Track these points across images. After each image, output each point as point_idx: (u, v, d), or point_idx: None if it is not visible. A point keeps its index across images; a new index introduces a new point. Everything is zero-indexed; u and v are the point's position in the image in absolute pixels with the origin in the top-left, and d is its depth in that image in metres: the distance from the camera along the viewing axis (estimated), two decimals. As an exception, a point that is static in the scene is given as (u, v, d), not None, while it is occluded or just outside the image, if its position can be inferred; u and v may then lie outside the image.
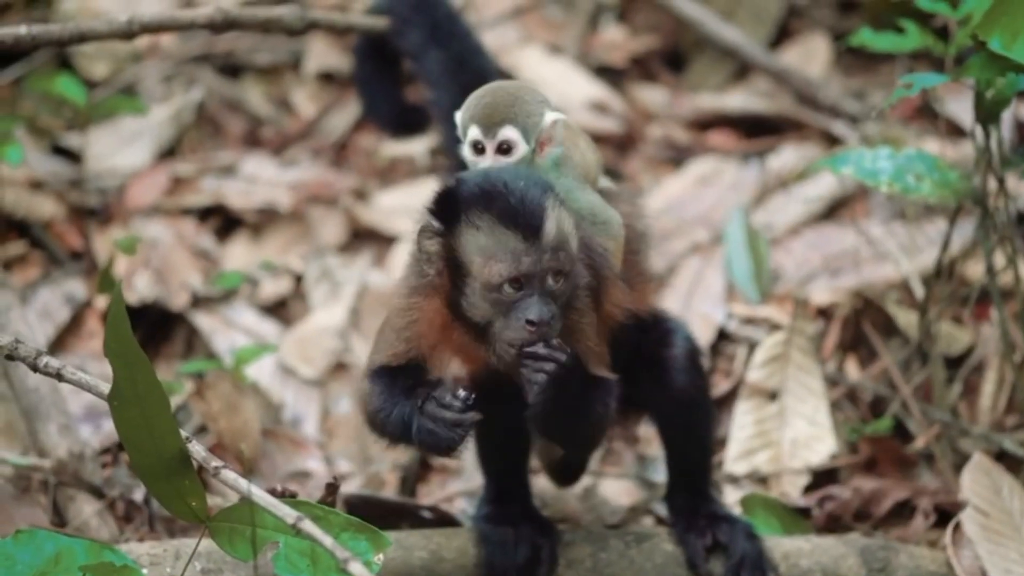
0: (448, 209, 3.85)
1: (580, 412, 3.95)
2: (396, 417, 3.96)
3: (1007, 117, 4.65)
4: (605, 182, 4.24)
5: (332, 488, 4.17)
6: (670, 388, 4.32)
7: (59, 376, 3.82)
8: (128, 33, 4.81)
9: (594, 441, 4.24)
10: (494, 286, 3.80)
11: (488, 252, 3.80)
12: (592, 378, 3.96)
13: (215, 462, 3.62)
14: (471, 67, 4.98)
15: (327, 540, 3.36)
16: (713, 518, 4.46)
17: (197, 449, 3.65)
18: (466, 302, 3.87)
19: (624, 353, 4.14)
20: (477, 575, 4.35)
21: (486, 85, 4.12)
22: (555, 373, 3.79)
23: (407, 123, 5.21)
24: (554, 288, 3.82)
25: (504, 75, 6.37)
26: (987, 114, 4.51)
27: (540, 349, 3.79)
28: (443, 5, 5.18)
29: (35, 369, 3.85)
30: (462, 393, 3.86)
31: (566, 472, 4.77)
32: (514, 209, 3.78)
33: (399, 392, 3.97)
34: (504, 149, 4.02)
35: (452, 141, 4.90)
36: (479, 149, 4.04)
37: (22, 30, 4.68)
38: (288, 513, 3.45)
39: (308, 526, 3.40)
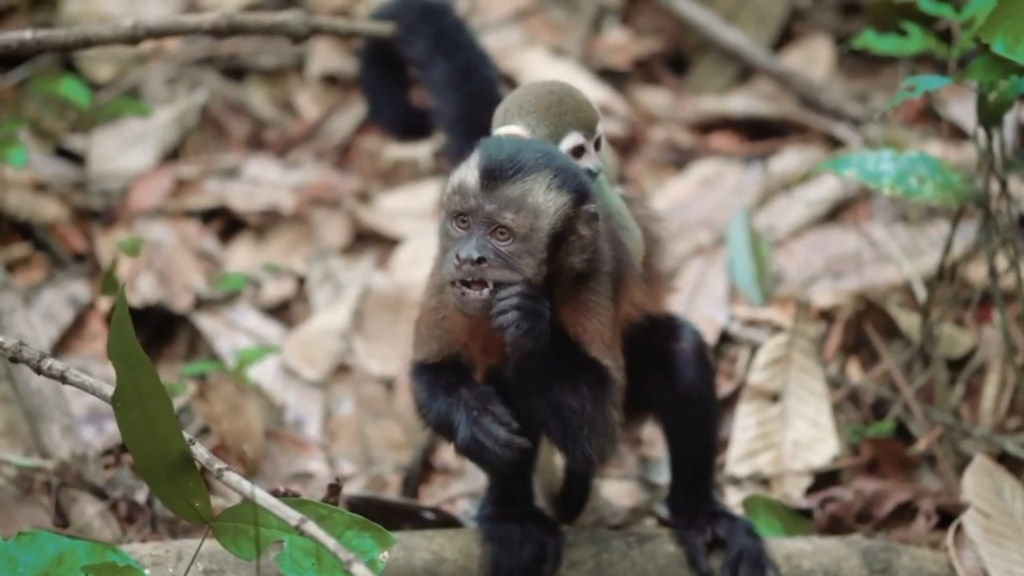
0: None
1: (564, 387, 3.96)
2: (436, 415, 4.03)
3: (1009, 120, 4.65)
4: (619, 189, 4.27)
5: (334, 489, 4.18)
6: (678, 382, 4.33)
7: (63, 379, 3.83)
8: (133, 38, 4.82)
9: (584, 438, 4.13)
10: (444, 218, 3.90)
11: (452, 184, 3.91)
12: (587, 358, 3.98)
13: (218, 464, 3.63)
14: (476, 78, 4.98)
15: (330, 542, 3.37)
16: (713, 515, 4.47)
17: (200, 451, 3.66)
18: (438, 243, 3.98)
19: (631, 350, 4.15)
20: (483, 573, 4.35)
21: (540, 87, 4.15)
22: (523, 316, 3.82)
23: (412, 126, 5.21)
24: (500, 244, 3.84)
25: (505, 78, 6.43)
26: (990, 117, 4.51)
27: (504, 292, 3.83)
28: (449, 14, 5.18)
29: (39, 371, 3.86)
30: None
31: (569, 502, 4.79)
32: (493, 156, 3.87)
33: (440, 390, 4.02)
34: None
35: (454, 149, 4.94)
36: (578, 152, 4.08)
37: (27, 35, 4.69)
38: (291, 515, 3.46)
39: (311, 528, 3.41)
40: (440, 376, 4.05)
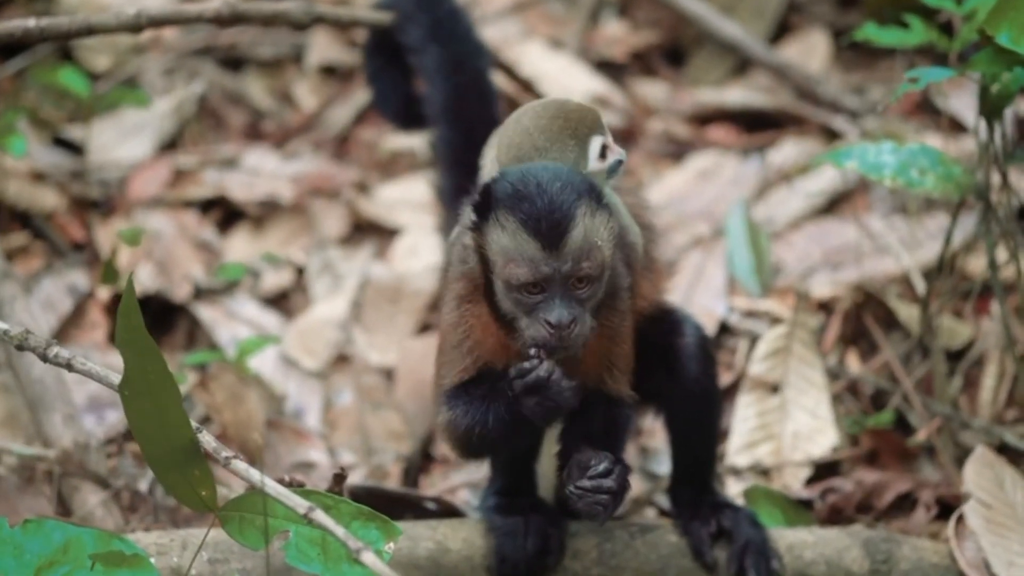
0: (485, 204, 3.86)
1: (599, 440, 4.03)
2: (495, 423, 3.97)
3: (1008, 113, 4.66)
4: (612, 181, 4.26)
5: (339, 478, 4.18)
6: (681, 377, 4.35)
7: (69, 366, 3.83)
8: (136, 26, 4.83)
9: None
10: (513, 287, 3.83)
11: (509, 255, 3.82)
12: (613, 403, 4.06)
13: (226, 452, 3.63)
14: (467, 68, 4.99)
15: (339, 530, 3.38)
16: (716, 506, 4.48)
17: (208, 439, 3.66)
18: (497, 297, 3.90)
19: (634, 344, 4.17)
20: (487, 565, 4.36)
21: (535, 119, 4.08)
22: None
23: (416, 116, 5.21)
24: (579, 292, 3.83)
25: (504, 69, 6.44)
26: (992, 109, 4.53)
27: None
28: (446, 2, 5.19)
29: (45, 359, 3.85)
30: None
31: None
32: (538, 214, 3.78)
33: (481, 401, 3.99)
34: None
35: (441, 137, 4.93)
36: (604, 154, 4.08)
37: (31, 23, 4.69)
38: (300, 503, 3.46)
39: (320, 516, 3.42)
40: (476, 390, 4.02)
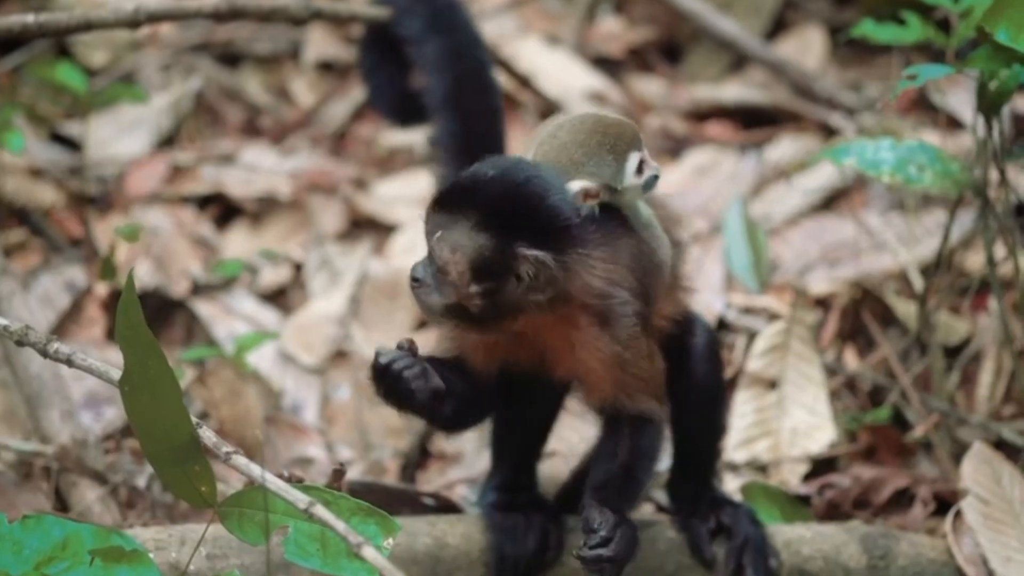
0: None
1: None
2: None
3: (1006, 109, 4.67)
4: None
5: (339, 474, 4.18)
6: (690, 377, 4.34)
7: (69, 362, 3.83)
8: (134, 22, 4.83)
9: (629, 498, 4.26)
10: None
11: None
12: (637, 423, 4.09)
13: (226, 447, 3.63)
14: (467, 59, 4.98)
15: (339, 525, 3.38)
16: (715, 503, 4.48)
17: (208, 435, 3.66)
18: None
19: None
20: (485, 561, 4.36)
21: (573, 133, 4.08)
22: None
23: (413, 112, 5.19)
24: (434, 266, 3.89)
25: (501, 65, 6.43)
26: (989, 105, 4.53)
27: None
28: None
29: (45, 355, 3.85)
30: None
31: (577, 494, 4.78)
32: (452, 181, 3.93)
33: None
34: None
35: (443, 129, 4.93)
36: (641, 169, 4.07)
37: (29, 18, 4.69)
38: (300, 498, 3.46)
39: (320, 511, 3.42)
40: (432, 362, 4.06)
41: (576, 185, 3.97)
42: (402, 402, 4.01)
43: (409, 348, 3.96)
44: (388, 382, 3.97)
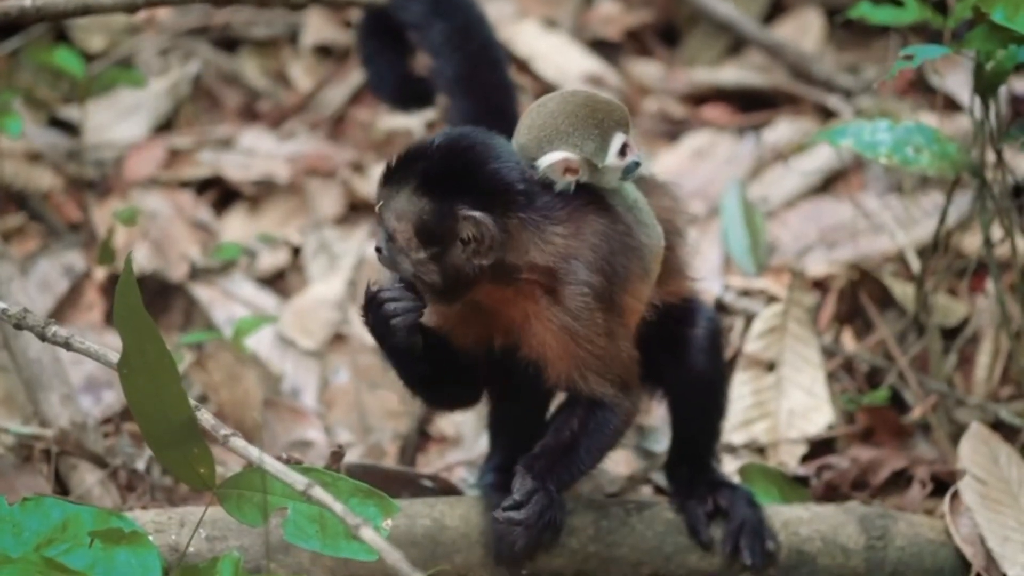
0: None
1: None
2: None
3: (1003, 90, 4.67)
4: (645, 170, 4.19)
5: (337, 456, 4.19)
6: (689, 368, 4.34)
7: (67, 345, 3.84)
8: (132, 6, 4.82)
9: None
10: None
11: None
12: (590, 405, 4.10)
13: (224, 430, 3.64)
14: (475, 37, 4.97)
15: (338, 506, 3.39)
16: (713, 485, 4.48)
17: (207, 417, 3.67)
18: None
19: (645, 329, 4.16)
20: (484, 543, 4.36)
21: (563, 104, 4.07)
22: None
23: (412, 96, 5.19)
24: (387, 233, 3.94)
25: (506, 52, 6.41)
26: (986, 86, 4.53)
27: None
28: None
29: (43, 338, 3.86)
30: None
31: None
32: (396, 155, 3.95)
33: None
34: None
35: (455, 109, 4.93)
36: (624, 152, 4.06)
37: (27, 3, 4.67)
38: (298, 480, 3.47)
39: (319, 492, 3.43)
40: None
41: (558, 155, 3.97)
42: (383, 336, 4.03)
43: (403, 284, 4.01)
44: (374, 310, 4.01)
